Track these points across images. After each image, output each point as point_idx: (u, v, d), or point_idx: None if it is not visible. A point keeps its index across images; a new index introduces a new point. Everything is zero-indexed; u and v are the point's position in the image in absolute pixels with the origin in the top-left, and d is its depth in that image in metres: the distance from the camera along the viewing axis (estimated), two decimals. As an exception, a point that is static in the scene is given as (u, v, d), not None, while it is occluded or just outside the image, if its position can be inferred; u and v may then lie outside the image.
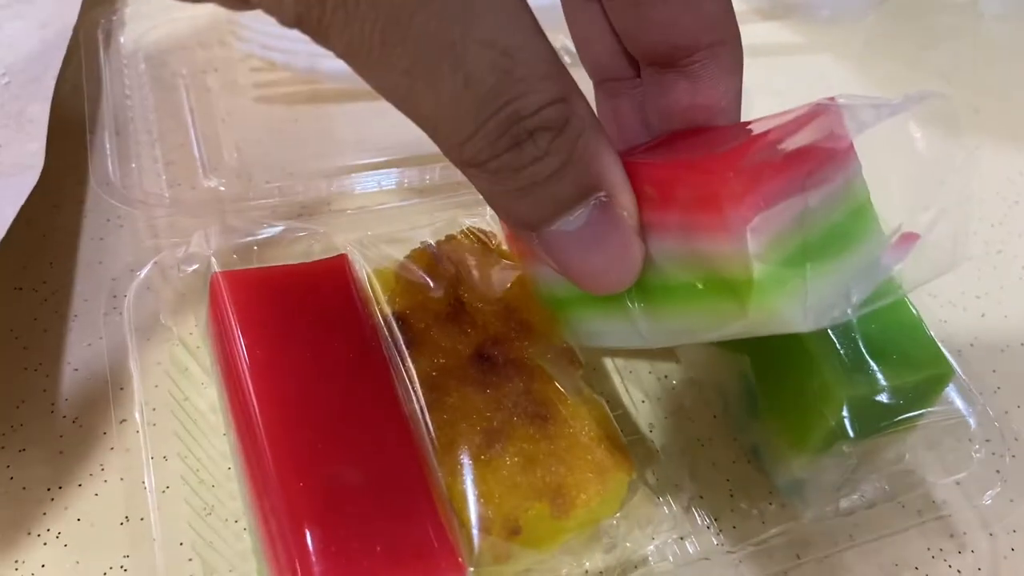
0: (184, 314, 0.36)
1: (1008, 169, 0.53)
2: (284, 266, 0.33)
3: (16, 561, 0.31)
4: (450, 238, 0.35)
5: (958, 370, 0.37)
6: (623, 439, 0.31)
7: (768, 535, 0.35)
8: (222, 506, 0.32)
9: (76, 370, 0.36)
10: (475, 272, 0.33)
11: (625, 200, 0.25)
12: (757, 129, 0.26)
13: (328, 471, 0.28)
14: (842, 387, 0.31)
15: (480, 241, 0.35)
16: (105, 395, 0.35)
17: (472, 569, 0.27)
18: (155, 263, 0.35)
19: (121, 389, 0.35)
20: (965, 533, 0.36)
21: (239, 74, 0.47)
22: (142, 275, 0.35)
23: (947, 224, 0.28)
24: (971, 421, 0.36)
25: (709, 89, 0.28)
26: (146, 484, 0.31)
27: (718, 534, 0.35)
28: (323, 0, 0.20)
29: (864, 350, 0.32)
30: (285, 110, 0.46)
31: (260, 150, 0.44)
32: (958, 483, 0.37)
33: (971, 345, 0.43)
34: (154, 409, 0.34)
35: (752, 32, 0.58)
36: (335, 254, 0.34)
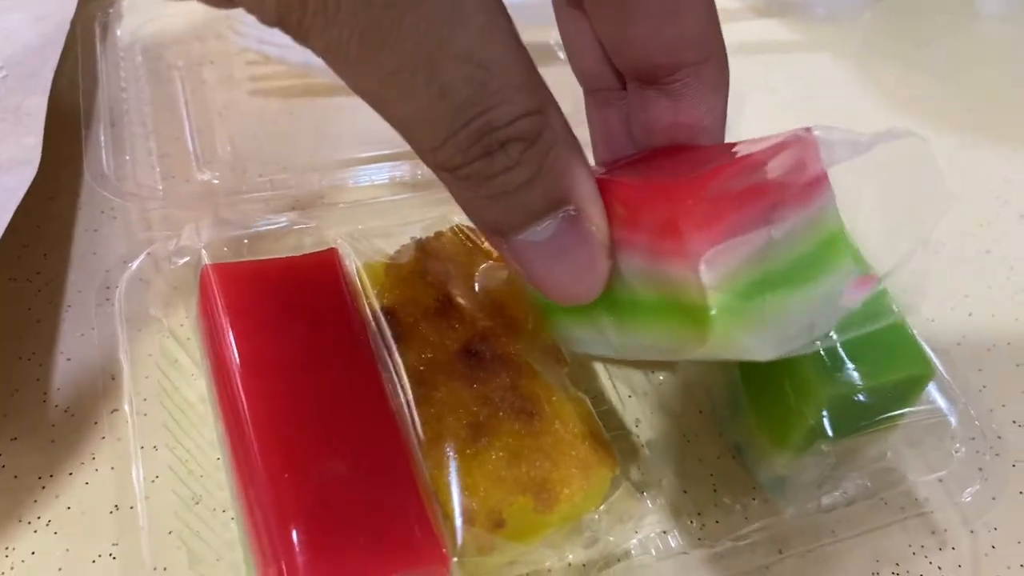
0: (175, 306, 0.36)
1: (1000, 169, 0.53)
2: (274, 259, 0.34)
3: (7, 548, 0.31)
4: (439, 235, 0.35)
5: (941, 369, 0.38)
6: (606, 436, 0.31)
7: (750, 530, 0.35)
8: (210, 496, 0.33)
9: (69, 360, 0.36)
10: (464, 269, 0.34)
11: (594, 215, 0.25)
12: (730, 155, 0.26)
13: (314, 463, 0.28)
14: (822, 387, 0.31)
15: (469, 239, 0.35)
16: (97, 385, 0.35)
17: (456, 560, 0.28)
18: (146, 255, 0.35)
19: (113, 379, 0.35)
20: (946, 530, 0.37)
21: (235, 67, 0.48)
22: (133, 267, 0.35)
23: (912, 266, 0.28)
24: (952, 420, 0.37)
25: (691, 108, 0.28)
26: (135, 473, 0.31)
27: (701, 528, 0.35)
28: (304, 3, 0.20)
29: (845, 350, 0.32)
30: (280, 104, 0.47)
31: (254, 143, 0.45)
32: (940, 480, 0.37)
33: (958, 344, 0.44)
34: (145, 399, 0.34)
35: (747, 30, 0.58)
36: (325, 248, 0.35)
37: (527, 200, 0.24)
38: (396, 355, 0.31)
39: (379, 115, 0.22)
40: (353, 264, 0.34)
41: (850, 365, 0.32)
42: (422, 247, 0.34)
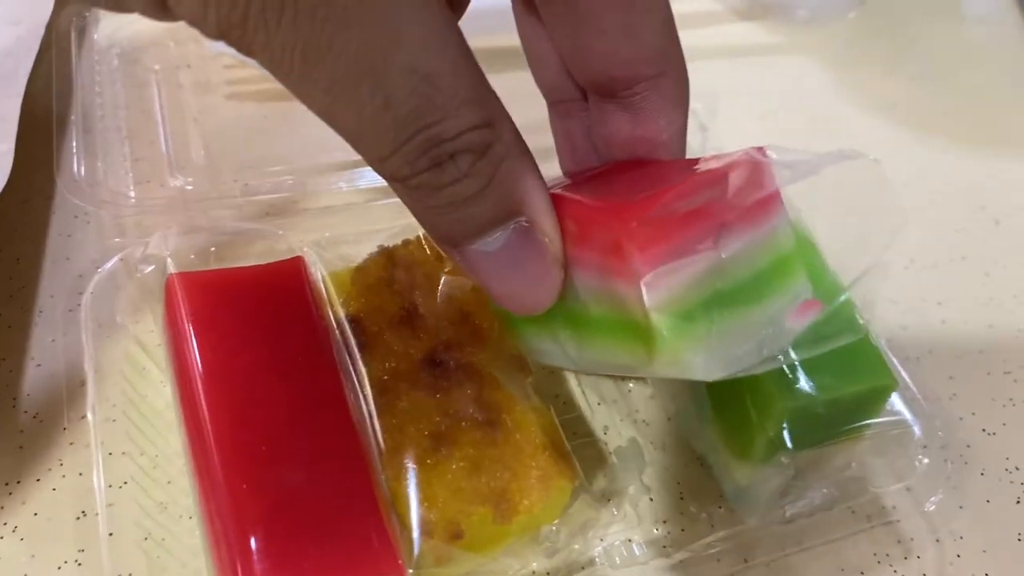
0: (144, 313, 0.36)
1: (978, 174, 0.53)
2: (239, 268, 0.34)
3: (-28, 554, 0.32)
4: (407, 243, 0.35)
5: (906, 378, 0.38)
6: (568, 447, 0.31)
7: (715, 538, 0.35)
8: (175, 503, 0.33)
9: (39, 366, 0.37)
10: (430, 278, 0.34)
11: (547, 226, 0.25)
12: (685, 173, 0.26)
13: (273, 473, 0.29)
14: (782, 400, 0.32)
15: (435, 247, 0.35)
16: (66, 391, 0.35)
17: (411, 572, 0.28)
18: (115, 262, 0.35)
19: (81, 385, 0.35)
20: (912, 539, 0.37)
21: (212, 71, 0.48)
22: (100, 275, 0.35)
23: (864, 287, 0.28)
24: (919, 429, 0.37)
25: (649, 122, 0.28)
26: (101, 480, 0.31)
27: (666, 537, 0.35)
28: (244, 20, 0.20)
29: (806, 362, 0.32)
30: (256, 108, 0.47)
31: (229, 148, 0.45)
32: (908, 489, 0.38)
33: (929, 352, 0.44)
34: (113, 405, 0.35)
35: (728, 32, 0.58)
36: (292, 256, 0.35)
37: (477, 211, 0.24)
38: (360, 364, 0.31)
39: (328, 126, 0.22)
40: (319, 272, 0.34)
41: (811, 378, 0.32)
42: (389, 255, 0.34)
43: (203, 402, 0.30)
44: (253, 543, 0.27)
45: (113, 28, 0.48)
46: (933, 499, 0.37)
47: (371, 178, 0.44)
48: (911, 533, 0.37)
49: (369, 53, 0.20)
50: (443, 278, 0.34)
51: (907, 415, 0.36)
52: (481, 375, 0.31)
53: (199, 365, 0.31)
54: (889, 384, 0.33)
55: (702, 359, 0.24)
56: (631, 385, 0.39)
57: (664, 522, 0.36)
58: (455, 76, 0.22)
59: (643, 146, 0.29)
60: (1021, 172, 0.53)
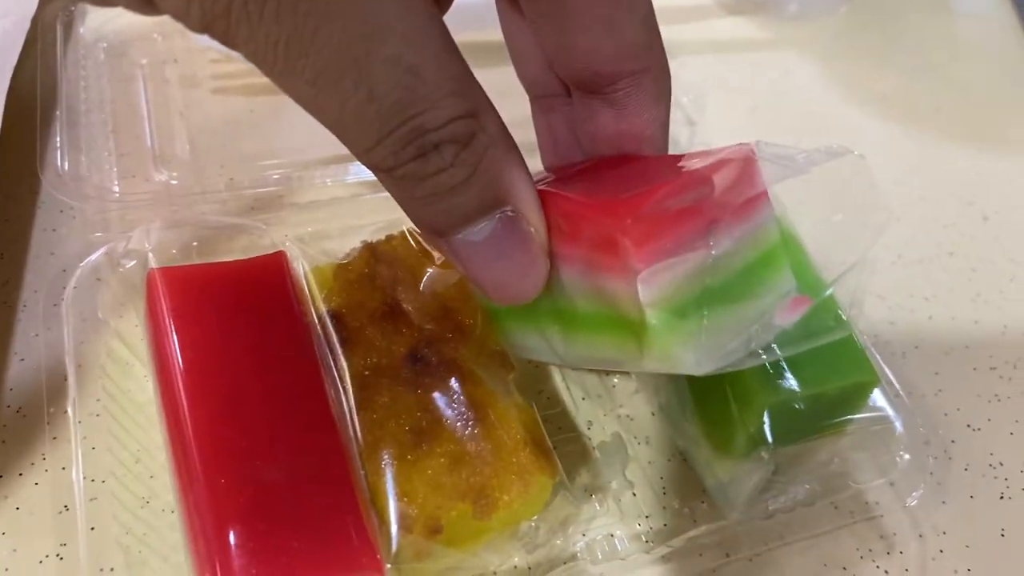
0: (126, 308, 0.36)
1: (966, 169, 0.53)
2: (221, 263, 0.34)
3: (-47, 549, 0.32)
4: (390, 238, 0.35)
5: (891, 374, 0.38)
6: (549, 443, 0.31)
7: (697, 533, 0.35)
8: (157, 498, 0.33)
9: (22, 360, 0.36)
10: (413, 273, 0.34)
11: (532, 216, 0.26)
12: (674, 169, 0.27)
13: (253, 469, 0.29)
14: (762, 395, 0.32)
15: (420, 243, 0.35)
16: (49, 386, 0.35)
17: (390, 567, 0.28)
18: (95, 258, 0.35)
19: (65, 380, 0.35)
20: (895, 534, 0.37)
21: (198, 65, 0.48)
22: (82, 270, 0.35)
23: (849, 284, 0.28)
24: (904, 425, 0.37)
25: (633, 117, 0.29)
26: (83, 475, 0.31)
27: (648, 531, 0.35)
28: (227, 13, 0.20)
29: (789, 357, 0.32)
30: (242, 102, 0.47)
31: (215, 143, 0.45)
32: (891, 485, 0.38)
33: (916, 347, 0.44)
34: (97, 400, 0.34)
35: (717, 27, 0.58)
36: (275, 250, 0.35)
37: (462, 201, 0.24)
38: (341, 359, 0.31)
39: (316, 120, 0.23)
40: (301, 267, 0.34)
41: (792, 373, 0.32)
42: (372, 250, 0.34)
43: (183, 397, 0.30)
44: (231, 538, 0.27)
45: (99, 22, 0.48)
46: (915, 494, 0.37)
47: (357, 173, 0.44)
48: (894, 528, 0.37)
49: (352, 46, 0.21)
50: (425, 274, 0.34)
51: (890, 411, 0.36)
52: (463, 371, 0.31)
53: (179, 360, 0.31)
54: (871, 380, 0.33)
55: (692, 354, 0.25)
56: (615, 380, 0.39)
57: (646, 517, 0.36)
58: (439, 68, 0.22)
59: (628, 141, 0.29)
60: (1010, 167, 0.53)
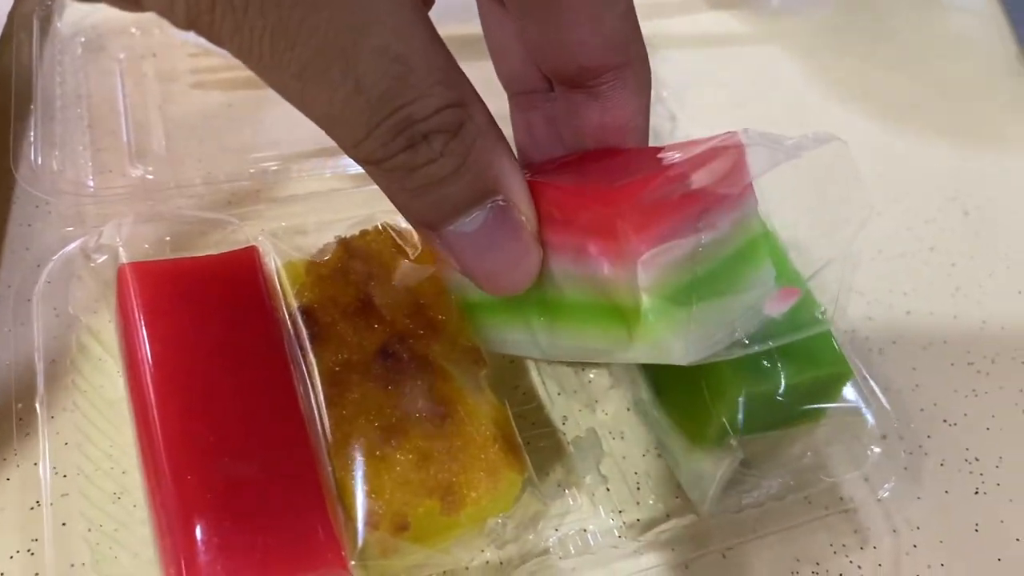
0: (99, 303, 0.36)
1: (947, 165, 0.53)
2: (192, 258, 0.34)
3: (-76, 545, 0.32)
4: (364, 233, 0.35)
5: (866, 368, 0.38)
6: (519, 440, 0.31)
7: (671, 527, 0.35)
8: (128, 494, 0.33)
9: (-5, 356, 0.36)
10: (386, 268, 0.34)
11: (523, 205, 0.26)
12: (663, 160, 0.27)
13: (220, 465, 0.29)
14: (736, 385, 0.32)
15: (394, 238, 0.35)
16: (21, 381, 0.35)
17: (354, 563, 0.28)
18: (67, 252, 0.35)
19: (35, 375, 0.35)
20: (869, 528, 0.37)
21: (177, 60, 0.47)
22: (53, 265, 0.35)
23: (830, 278, 0.29)
24: (879, 418, 0.37)
25: (617, 110, 0.29)
26: (52, 471, 0.31)
27: (621, 526, 0.35)
28: (212, 7, 0.20)
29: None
30: (220, 96, 0.47)
31: (193, 137, 0.44)
32: (866, 479, 0.38)
33: (893, 343, 0.44)
34: (68, 396, 0.34)
35: (699, 22, 0.58)
36: (247, 245, 0.35)
37: (453, 192, 0.24)
38: (310, 355, 0.31)
39: (301, 113, 0.23)
40: (274, 262, 0.34)
41: (765, 364, 0.32)
42: (346, 245, 0.34)
43: (151, 392, 0.30)
44: (197, 534, 0.27)
45: (77, 17, 0.47)
46: (888, 487, 0.37)
47: (335, 168, 0.43)
48: (867, 523, 0.37)
49: (339, 37, 0.21)
50: (398, 270, 0.34)
51: (865, 404, 0.36)
52: (434, 367, 0.31)
53: (148, 355, 0.31)
54: (844, 372, 0.33)
55: (682, 342, 0.25)
56: (591, 375, 0.39)
57: (620, 512, 0.36)
58: (426, 58, 0.22)
59: (613, 134, 0.30)
60: (993, 163, 0.53)
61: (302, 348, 0.31)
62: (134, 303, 0.32)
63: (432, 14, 0.24)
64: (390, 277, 0.33)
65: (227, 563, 0.27)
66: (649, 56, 0.29)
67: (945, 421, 0.41)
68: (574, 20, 0.27)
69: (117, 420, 0.34)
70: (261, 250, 0.34)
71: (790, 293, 0.28)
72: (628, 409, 0.39)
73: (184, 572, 0.27)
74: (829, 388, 0.34)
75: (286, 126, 0.45)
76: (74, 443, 0.33)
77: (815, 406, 0.34)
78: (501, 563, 0.33)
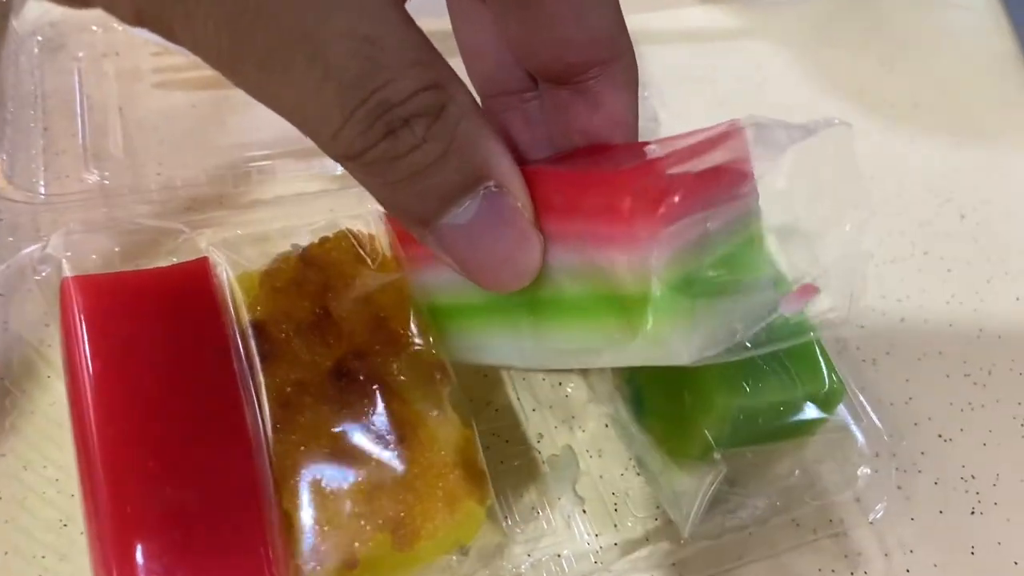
0: (47, 317, 0.34)
1: (942, 165, 0.51)
2: (139, 271, 0.32)
3: None
4: (324, 240, 0.33)
5: (855, 383, 0.36)
6: (483, 465, 0.29)
7: (650, 552, 0.33)
8: (74, 521, 0.31)
9: (-58, 373, 0.35)
10: (346, 279, 0.32)
11: (516, 189, 0.24)
12: (663, 149, 0.26)
13: (161, 495, 0.27)
14: (721, 398, 0.30)
15: (355, 245, 0.33)
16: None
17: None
18: (11, 264, 0.33)
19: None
20: (859, 553, 0.35)
21: (140, 58, 0.46)
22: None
23: (844, 274, 0.27)
24: (871, 436, 0.35)
25: (607, 105, 0.28)
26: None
27: (598, 551, 0.33)
28: None
29: (751, 362, 0.31)
30: (183, 97, 0.45)
31: (153, 140, 0.43)
32: (857, 500, 0.36)
33: (887, 353, 0.42)
34: (16, 416, 0.33)
35: (688, 16, 0.56)
36: (199, 256, 0.33)
37: (441, 179, 0.23)
38: (260, 376, 0.29)
39: (273, 111, 0.21)
40: (227, 273, 0.32)
41: (753, 379, 0.31)
42: (302, 254, 0.32)
43: (91, 415, 0.28)
44: (134, 571, 0.25)
45: (36, 15, 0.46)
46: (879, 507, 0.35)
47: (302, 171, 0.42)
48: (858, 546, 0.35)
49: (302, 19, 0.19)
50: (359, 280, 0.32)
51: (857, 421, 0.34)
52: (391, 388, 0.29)
53: (89, 375, 0.29)
54: (835, 389, 0.31)
55: (682, 337, 0.24)
56: (569, 389, 0.38)
57: (597, 535, 0.34)
58: (397, 38, 0.21)
59: (603, 131, 0.28)
60: (989, 164, 0.51)
61: (252, 367, 0.29)
62: (76, 319, 0.30)
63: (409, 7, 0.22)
64: (349, 288, 0.31)
65: (164, 602, 0.25)
66: (632, 53, 0.28)
67: (940, 436, 0.39)
68: (558, 15, 0.26)
69: (64, 442, 0.32)
70: (214, 261, 0.32)
71: (808, 290, 0.26)
72: (606, 425, 0.37)
73: (118, 611, 0.25)
74: (820, 404, 0.32)
75: (252, 128, 0.43)
76: (18, 466, 0.32)
77: (804, 418, 0.32)
78: (468, 592, 0.31)
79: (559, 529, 0.34)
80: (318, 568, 0.26)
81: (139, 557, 0.26)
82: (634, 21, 0.27)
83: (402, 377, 0.30)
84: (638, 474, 0.36)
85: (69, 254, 0.32)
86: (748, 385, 0.30)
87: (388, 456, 0.28)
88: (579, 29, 0.26)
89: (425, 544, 0.27)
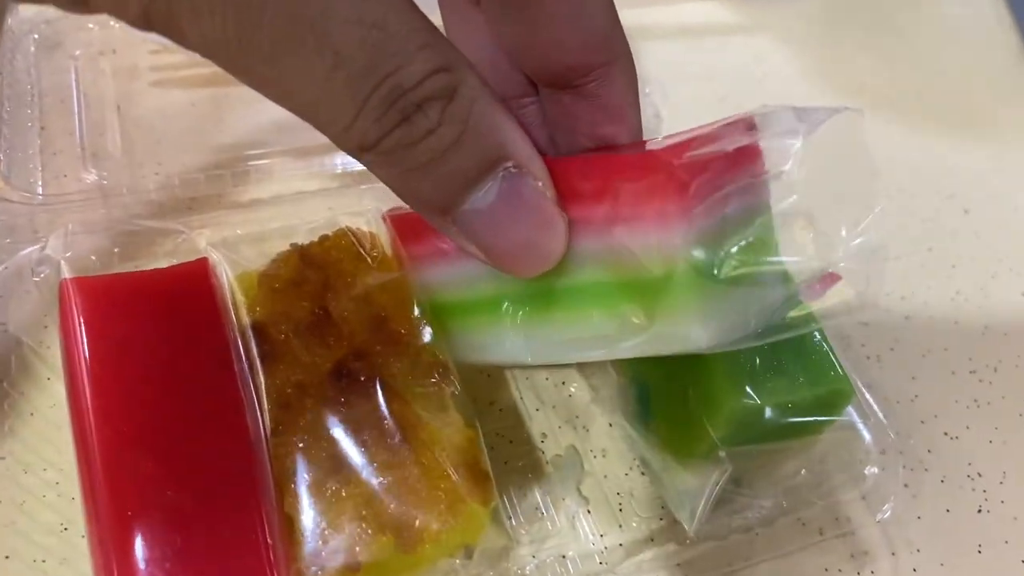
0: (48, 319, 0.34)
1: (946, 161, 0.51)
2: (138, 272, 0.31)
3: None
4: (323, 239, 0.33)
5: (862, 380, 0.36)
6: (487, 466, 0.29)
7: (656, 553, 0.33)
8: (75, 524, 0.31)
9: (-62, 375, 0.34)
10: (346, 278, 0.31)
11: (537, 169, 0.24)
12: (678, 139, 0.26)
13: (162, 498, 0.26)
14: (728, 398, 0.30)
15: (355, 244, 0.33)
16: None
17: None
18: (11, 265, 0.33)
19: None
20: (866, 552, 0.35)
21: (138, 56, 0.45)
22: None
23: (862, 261, 0.27)
24: (877, 434, 0.35)
25: (611, 106, 0.28)
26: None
27: (603, 552, 0.33)
28: None
29: (759, 362, 0.30)
30: (182, 95, 0.44)
31: (151, 139, 0.42)
32: (863, 498, 0.36)
33: (891, 350, 0.41)
34: (17, 419, 0.32)
35: (687, 12, 0.56)
36: (198, 256, 0.32)
37: (460, 162, 0.22)
38: (260, 377, 0.29)
39: (282, 107, 0.21)
40: (226, 273, 0.32)
41: (761, 379, 0.30)
42: (301, 254, 0.32)
43: (91, 418, 0.28)
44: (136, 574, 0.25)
45: (32, 12, 0.45)
46: (887, 507, 0.34)
47: (302, 169, 0.41)
48: (865, 545, 0.35)
49: (307, 9, 0.19)
50: (358, 279, 0.31)
51: (864, 420, 0.34)
52: (392, 388, 0.29)
53: (89, 377, 0.28)
54: (844, 390, 0.31)
55: (700, 323, 0.24)
56: (572, 388, 0.37)
57: (602, 536, 0.34)
58: (404, 21, 0.20)
59: (608, 131, 0.28)
60: (993, 159, 0.51)
61: (252, 368, 0.29)
62: (75, 321, 0.29)
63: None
64: (349, 287, 0.31)
65: (165, 608, 0.25)
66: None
67: (946, 434, 0.39)
68: (555, 17, 0.26)
69: (64, 445, 0.32)
70: (214, 261, 0.32)
71: (831, 278, 0.26)
72: (610, 425, 0.36)
73: (119, 616, 0.25)
74: (827, 406, 0.32)
75: (251, 127, 0.43)
76: (18, 469, 0.31)
77: (811, 419, 0.31)
78: (473, 594, 0.31)
79: (564, 530, 0.33)
80: (320, 572, 0.25)
81: (140, 561, 0.25)
82: (634, 16, 0.27)
83: (403, 378, 0.29)
84: (643, 474, 0.35)
85: (68, 255, 0.32)
86: (755, 386, 0.30)
87: (390, 458, 0.27)
88: (575, 31, 0.26)
89: (428, 546, 0.26)
